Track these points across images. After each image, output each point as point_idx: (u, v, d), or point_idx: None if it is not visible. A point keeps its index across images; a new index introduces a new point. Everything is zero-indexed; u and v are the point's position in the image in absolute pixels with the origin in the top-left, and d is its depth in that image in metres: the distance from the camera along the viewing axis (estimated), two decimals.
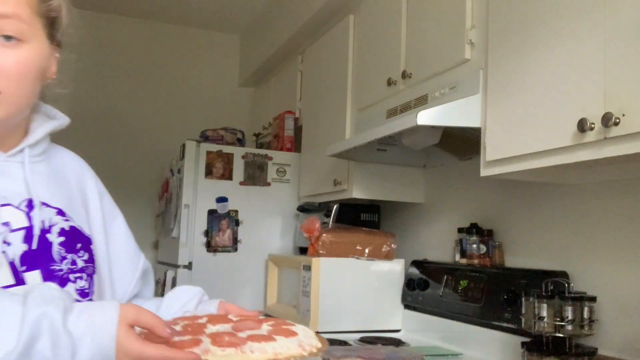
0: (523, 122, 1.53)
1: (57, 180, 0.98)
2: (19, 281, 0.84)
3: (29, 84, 0.86)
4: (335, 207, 2.73)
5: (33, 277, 0.85)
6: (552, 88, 1.44)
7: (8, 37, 0.83)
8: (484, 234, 2.12)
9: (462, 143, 2.02)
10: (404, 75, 2.10)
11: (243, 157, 3.08)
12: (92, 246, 0.97)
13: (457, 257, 2.22)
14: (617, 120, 1.24)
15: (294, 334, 0.84)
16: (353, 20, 2.61)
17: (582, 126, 1.31)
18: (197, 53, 4.16)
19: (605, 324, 1.63)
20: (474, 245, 2.12)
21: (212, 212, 3.00)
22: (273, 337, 0.81)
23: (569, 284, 1.62)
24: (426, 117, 1.71)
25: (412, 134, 1.97)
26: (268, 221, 3.08)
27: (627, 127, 1.23)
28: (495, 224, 2.13)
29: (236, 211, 3.04)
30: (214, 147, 3.05)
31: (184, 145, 3.06)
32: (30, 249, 0.86)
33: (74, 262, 0.91)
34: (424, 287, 2.35)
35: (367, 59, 2.45)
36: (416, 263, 2.47)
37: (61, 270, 0.89)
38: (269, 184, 3.11)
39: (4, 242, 0.84)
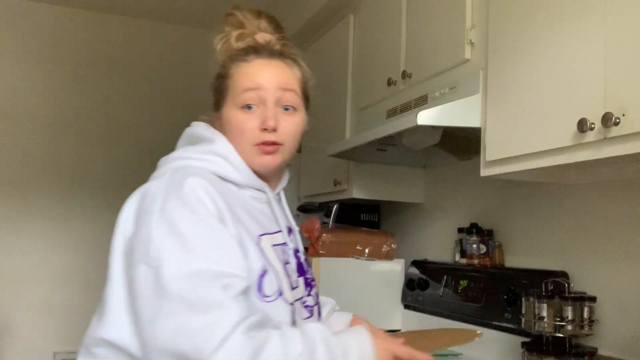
0: (523, 122, 1.53)
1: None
2: (296, 284, 1.14)
3: (296, 141, 1.19)
4: (335, 207, 2.73)
5: (300, 281, 1.16)
6: (552, 88, 1.44)
7: (287, 107, 1.14)
8: (484, 234, 2.12)
9: (462, 143, 2.02)
10: (404, 75, 2.10)
11: None
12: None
13: (457, 257, 2.22)
14: (617, 120, 1.24)
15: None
16: (353, 20, 2.61)
17: (582, 126, 1.31)
18: (197, 53, 4.16)
19: (605, 324, 1.63)
20: (474, 245, 2.12)
21: None
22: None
23: (569, 284, 1.62)
24: (426, 117, 1.71)
25: (412, 134, 1.97)
26: None
27: (627, 127, 1.23)
28: (495, 224, 2.13)
29: None
30: None
31: None
32: (297, 263, 1.17)
33: (310, 273, 1.25)
34: (424, 287, 2.35)
35: (367, 59, 2.45)
36: (416, 263, 2.47)
37: (309, 277, 1.22)
38: None
39: (286, 253, 1.16)
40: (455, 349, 2.11)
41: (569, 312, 1.56)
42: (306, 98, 1.22)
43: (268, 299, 1.04)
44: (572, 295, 1.59)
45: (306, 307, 1.18)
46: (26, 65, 3.79)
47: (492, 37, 1.69)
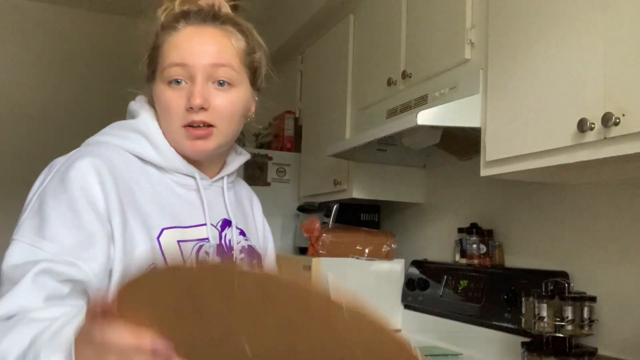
0: (523, 122, 1.53)
1: (239, 205, 1.18)
2: None
3: (235, 121, 1.04)
4: (335, 207, 2.73)
5: None
6: (552, 88, 1.44)
7: (222, 83, 1.01)
8: (484, 234, 2.12)
9: (462, 143, 2.02)
10: (404, 75, 2.10)
11: None
12: (262, 262, 1.16)
13: (457, 257, 2.21)
14: (617, 120, 1.24)
15: None
16: (353, 20, 2.61)
17: (582, 126, 1.31)
18: None
19: (605, 324, 1.63)
20: (474, 245, 2.12)
21: None
22: None
23: (569, 284, 1.62)
24: (426, 117, 1.71)
25: (412, 134, 1.97)
26: (268, 221, 3.05)
27: (627, 127, 1.23)
28: (495, 224, 2.13)
29: None
30: None
31: None
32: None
33: None
34: (424, 287, 2.35)
35: (367, 59, 2.45)
36: (416, 263, 2.47)
37: None
38: (269, 184, 3.10)
39: (206, 252, 1.02)
40: (455, 349, 2.11)
41: (569, 312, 1.56)
42: (253, 71, 1.08)
43: None
44: (572, 295, 1.59)
45: None
46: (25, 65, 3.79)
47: (492, 37, 1.68)
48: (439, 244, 2.45)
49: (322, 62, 2.94)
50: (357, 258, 2.49)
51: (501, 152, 1.61)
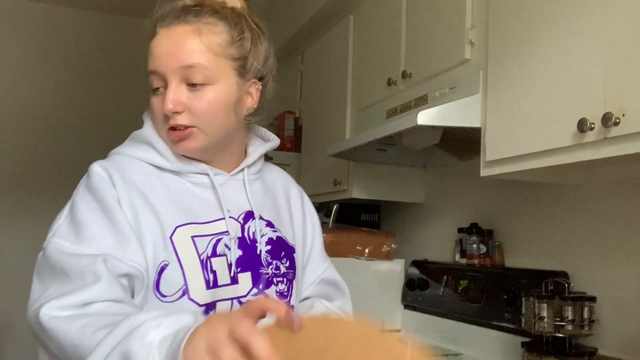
0: (523, 122, 1.53)
1: (269, 195, 1.14)
2: (234, 280, 1.00)
3: (219, 118, 1.00)
4: (335, 207, 2.73)
5: (244, 277, 1.01)
6: (552, 88, 1.44)
7: (194, 85, 0.98)
8: (484, 234, 2.12)
9: (462, 143, 2.02)
10: (404, 75, 2.10)
11: None
12: (294, 254, 1.12)
13: (457, 257, 2.21)
14: (617, 120, 1.24)
15: None
16: (353, 20, 2.61)
17: (582, 126, 1.31)
18: None
19: (605, 324, 1.63)
20: (474, 245, 2.12)
21: None
22: None
23: (569, 284, 1.62)
24: (426, 117, 1.71)
25: (412, 134, 1.97)
26: None
27: (627, 127, 1.23)
28: (495, 224, 2.13)
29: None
30: None
31: None
32: (244, 255, 1.02)
33: (277, 268, 1.06)
34: (424, 287, 2.35)
35: (367, 59, 2.45)
36: (416, 263, 2.47)
37: (267, 274, 1.05)
38: None
39: (226, 246, 1.00)
40: (455, 349, 2.11)
41: (569, 312, 1.56)
42: (242, 60, 1.02)
43: (167, 298, 0.93)
44: (572, 295, 1.59)
45: None
46: (26, 64, 3.79)
47: (492, 37, 1.68)
48: (439, 244, 2.45)
49: (322, 62, 2.93)
50: (357, 258, 2.48)
51: (501, 152, 1.61)
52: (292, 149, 3.25)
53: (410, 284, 2.41)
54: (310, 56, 3.13)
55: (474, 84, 1.74)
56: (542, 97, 1.47)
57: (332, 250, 2.52)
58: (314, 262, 1.20)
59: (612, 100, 1.27)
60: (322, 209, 2.84)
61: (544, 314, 1.59)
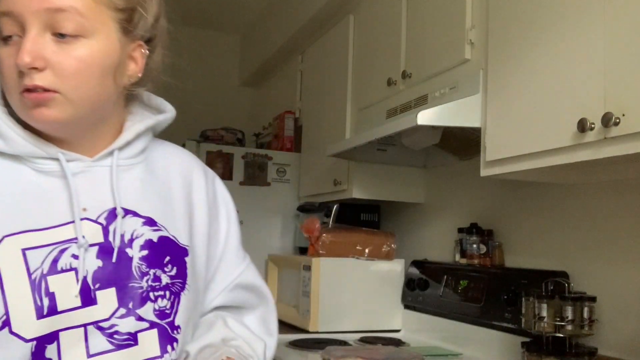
0: (523, 122, 1.53)
1: (155, 184, 0.90)
2: (89, 301, 0.77)
3: (92, 82, 0.78)
4: (335, 207, 2.73)
5: (106, 295, 0.78)
6: (552, 88, 1.44)
7: (62, 35, 0.76)
8: (484, 234, 2.12)
9: (462, 143, 2.02)
10: (404, 75, 2.10)
11: (243, 157, 3.08)
12: (186, 258, 0.89)
13: (457, 257, 2.21)
14: (617, 120, 1.24)
15: None
16: (353, 20, 2.61)
17: (582, 126, 1.31)
18: (197, 53, 4.16)
19: (605, 324, 1.63)
20: (474, 245, 2.12)
21: None
22: None
23: (569, 284, 1.62)
24: (426, 117, 1.71)
25: (412, 134, 1.97)
26: (268, 221, 3.07)
27: (627, 127, 1.23)
28: (495, 224, 2.13)
29: (236, 211, 3.03)
30: (214, 147, 3.04)
31: (184, 145, 3.04)
32: (105, 266, 0.79)
33: (156, 279, 0.83)
34: (424, 287, 2.35)
35: (367, 59, 2.45)
36: (416, 263, 2.47)
37: (141, 287, 0.81)
38: (269, 184, 3.11)
39: (73, 256, 0.78)
40: (455, 349, 2.11)
41: (569, 312, 1.56)
42: (128, 12, 0.82)
43: None
44: (572, 295, 1.59)
45: (112, 335, 0.78)
46: None
47: (492, 37, 1.68)
48: (439, 244, 2.45)
49: (322, 62, 2.93)
50: (357, 258, 2.49)
51: (501, 152, 1.61)
52: (292, 149, 3.26)
53: (410, 284, 2.41)
54: (310, 56, 3.13)
55: (473, 84, 1.74)
56: (542, 97, 1.47)
57: (332, 250, 2.53)
58: (227, 264, 1.01)
59: (612, 100, 1.27)
60: (322, 209, 2.84)
61: (544, 314, 1.59)
